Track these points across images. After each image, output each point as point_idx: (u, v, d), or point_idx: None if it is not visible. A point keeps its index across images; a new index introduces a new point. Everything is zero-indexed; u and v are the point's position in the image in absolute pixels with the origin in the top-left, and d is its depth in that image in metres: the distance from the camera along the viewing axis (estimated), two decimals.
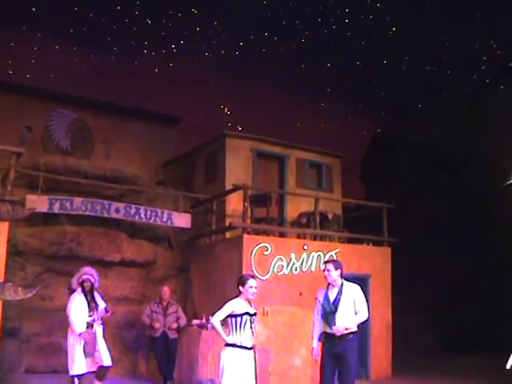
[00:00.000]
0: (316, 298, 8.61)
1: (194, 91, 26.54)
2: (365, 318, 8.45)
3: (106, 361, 10.90)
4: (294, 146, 17.53)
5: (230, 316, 7.51)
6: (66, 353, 10.71)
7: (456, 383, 13.61)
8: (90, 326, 10.82)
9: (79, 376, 10.64)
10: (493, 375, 14.35)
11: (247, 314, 7.50)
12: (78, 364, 10.54)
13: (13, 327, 12.78)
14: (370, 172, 25.68)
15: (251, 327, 7.55)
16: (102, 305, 11.23)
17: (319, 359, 8.39)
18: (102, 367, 10.95)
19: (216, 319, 7.51)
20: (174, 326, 12.39)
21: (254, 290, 7.63)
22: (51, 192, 13.09)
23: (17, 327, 13.14)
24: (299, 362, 13.20)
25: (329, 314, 8.29)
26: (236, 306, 7.53)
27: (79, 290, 10.96)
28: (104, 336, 11.08)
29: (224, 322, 7.68)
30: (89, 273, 11.26)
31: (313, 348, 8.38)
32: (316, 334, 8.42)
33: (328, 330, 8.29)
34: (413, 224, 20.30)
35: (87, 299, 10.92)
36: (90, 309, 10.91)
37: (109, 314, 11.22)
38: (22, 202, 12.08)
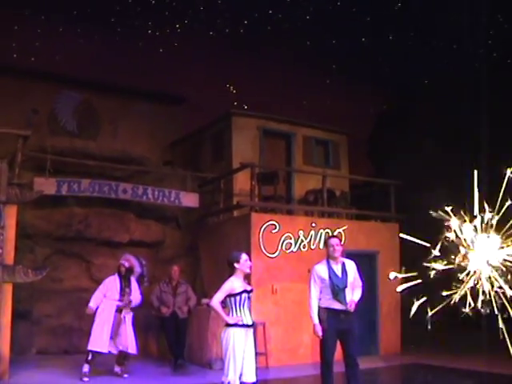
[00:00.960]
0: (312, 273, 8.55)
1: (200, 70, 26.39)
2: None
3: (131, 348, 11.09)
4: (300, 123, 17.45)
5: (229, 296, 7.47)
6: (90, 331, 10.92)
7: (465, 358, 13.63)
8: (119, 310, 11.00)
9: (95, 352, 10.79)
10: (501, 350, 14.39)
11: (245, 291, 7.47)
12: (98, 340, 10.70)
13: (24, 309, 12.89)
14: (377, 149, 25.59)
15: (249, 304, 7.54)
16: (136, 294, 11.39)
17: (321, 334, 8.37)
18: (123, 352, 11.09)
19: (216, 301, 7.45)
20: (185, 309, 12.43)
21: (250, 264, 7.66)
22: (59, 174, 13.12)
23: (28, 309, 13.25)
24: (308, 339, 13.24)
25: (339, 290, 8.28)
26: (233, 284, 7.48)
27: (116, 274, 11.23)
28: (133, 324, 11.26)
29: (223, 302, 7.69)
30: (125, 258, 11.52)
31: (315, 324, 8.30)
32: (316, 310, 8.36)
33: (337, 307, 8.27)
34: (423, 200, 20.22)
35: (121, 283, 11.11)
36: (122, 293, 11.09)
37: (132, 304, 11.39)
38: (30, 185, 12.11)
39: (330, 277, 8.31)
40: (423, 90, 23.26)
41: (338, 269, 8.41)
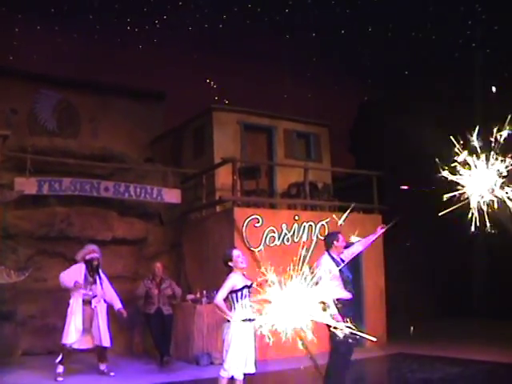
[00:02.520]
0: (320, 265, 8.48)
1: (179, 66, 26.35)
2: None
3: (105, 341, 11.00)
4: (281, 117, 17.46)
5: (231, 292, 7.56)
6: (62, 328, 10.88)
7: (451, 347, 13.73)
8: (87, 302, 10.92)
9: (71, 349, 10.74)
10: (487, 338, 14.54)
11: (246, 287, 7.55)
12: (70, 332, 10.65)
13: (8, 310, 12.84)
14: (359, 141, 25.64)
15: (250, 298, 7.57)
16: (112, 293, 11.36)
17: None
18: (99, 347, 11.04)
19: (219, 299, 7.54)
20: (169, 305, 12.44)
21: (242, 259, 7.73)
22: (39, 174, 13.06)
23: (12, 310, 13.17)
24: (294, 332, 13.25)
25: (347, 280, 8.37)
26: (235, 281, 7.58)
27: (82, 264, 11.06)
28: (107, 316, 11.19)
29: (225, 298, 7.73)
30: (98, 251, 11.42)
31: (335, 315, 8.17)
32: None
33: (347, 297, 8.30)
34: (405, 191, 20.27)
35: (87, 274, 11.03)
36: (87, 283, 11.00)
37: (119, 313, 11.42)
38: (11, 185, 12.07)
39: (339, 268, 8.35)
40: (404, 82, 23.32)
41: (340, 261, 8.46)
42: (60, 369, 10.66)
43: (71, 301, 10.96)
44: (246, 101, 19.86)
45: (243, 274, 7.72)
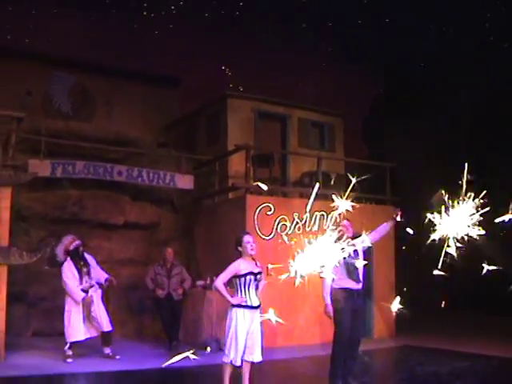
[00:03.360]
0: None
1: (195, 52, 26.28)
2: None
3: (106, 326, 11.04)
4: (295, 105, 17.42)
5: (235, 277, 7.58)
6: (63, 319, 10.90)
7: (460, 341, 13.70)
8: (84, 291, 10.95)
9: (75, 343, 10.81)
10: (497, 333, 14.51)
11: (251, 273, 7.55)
12: (74, 330, 10.71)
13: (19, 291, 12.91)
14: (373, 132, 25.52)
15: (256, 286, 7.62)
16: (98, 271, 11.36)
17: (332, 315, 8.40)
18: (103, 333, 11.10)
19: (219, 282, 7.58)
20: (180, 291, 12.44)
21: (252, 245, 7.68)
22: (53, 156, 13.09)
23: (23, 291, 13.28)
24: (303, 321, 13.31)
25: (353, 269, 8.35)
26: (239, 266, 7.58)
27: (68, 259, 11.04)
28: (103, 301, 11.23)
29: (230, 284, 7.77)
30: (76, 238, 11.32)
31: (327, 305, 8.32)
32: (329, 290, 8.36)
33: (352, 286, 8.34)
34: (417, 182, 20.18)
35: (77, 267, 11.01)
36: (81, 275, 11.00)
37: (107, 283, 11.35)
38: (25, 167, 12.08)
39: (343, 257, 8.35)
40: (420, 73, 23.17)
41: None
42: (69, 352, 10.75)
43: (68, 297, 10.96)
44: (261, 88, 19.82)
45: (254, 262, 7.72)
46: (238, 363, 7.47)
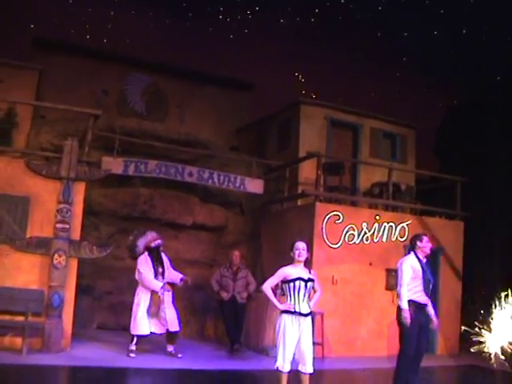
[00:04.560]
0: (403, 263, 8.38)
1: (269, 58, 26.45)
2: None
3: (173, 326, 11.16)
4: (368, 115, 17.29)
5: (284, 282, 7.53)
6: (131, 312, 11.09)
7: None
8: (155, 292, 11.08)
9: (140, 336, 10.93)
10: None
11: (300, 279, 7.47)
12: (140, 324, 10.85)
13: (87, 285, 13.18)
14: (445, 144, 25.11)
15: (305, 293, 7.51)
16: (171, 271, 11.48)
17: (400, 328, 8.30)
18: (169, 332, 11.19)
19: (266, 286, 7.61)
20: (244, 294, 12.43)
21: (299, 252, 7.59)
22: (126, 154, 13.27)
23: (91, 285, 13.55)
24: (365, 332, 13.17)
25: (429, 283, 8.27)
26: (287, 271, 7.55)
27: (146, 253, 11.20)
28: (173, 302, 11.34)
29: (281, 289, 7.71)
30: (159, 237, 11.52)
31: (405, 310, 8.07)
32: (406, 297, 8.17)
33: (423, 301, 8.22)
34: (489, 199, 19.74)
35: (154, 264, 11.18)
36: (156, 273, 11.14)
37: (182, 283, 11.45)
38: (98, 164, 12.29)
39: (423, 269, 8.26)
40: (495, 86, 22.68)
41: (426, 264, 8.36)
42: (133, 346, 10.88)
43: (139, 291, 11.15)
44: (333, 97, 19.76)
45: (307, 269, 7.67)
46: (286, 370, 7.38)
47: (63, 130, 13.58)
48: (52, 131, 13.98)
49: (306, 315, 7.45)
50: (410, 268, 8.27)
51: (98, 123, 12.34)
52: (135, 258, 11.40)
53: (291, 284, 7.46)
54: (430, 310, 8.38)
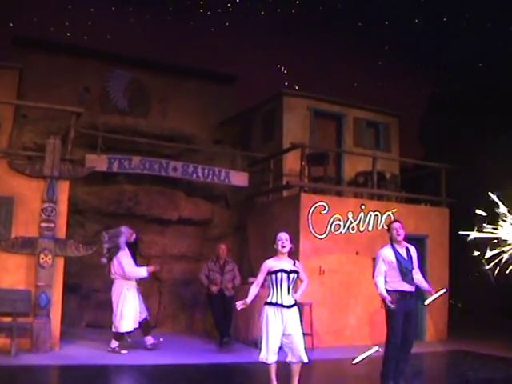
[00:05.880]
0: (378, 256, 8.49)
1: (251, 50, 26.42)
2: None
3: (143, 313, 11.34)
4: (351, 104, 17.33)
5: (268, 274, 7.52)
6: (112, 310, 11.17)
7: None
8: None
9: (128, 333, 10.98)
10: None
11: (282, 271, 7.44)
12: (128, 321, 10.88)
13: (74, 283, 13.14)
14: (429, 132, 25.20)
15: (289, 284, 7.49)
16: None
17: (386, 315, 8.35)
18: (142, 322, 11.25)
19: (253, 285, 7.67)
20: (230, 285, 12.45)
21: (282, 242, 7.55)
22: (110, 151, 13.24)
23: (78, 283, 13.51)
24: (354, 321, 13.22)
25: (407, 271, 8.26)
26: (270, 264, 7.54)
27: (125, 248, 11.24)
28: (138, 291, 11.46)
29: (265, 282, 7.71)
30: (134, 231, 11.64)
31: (385, 297, 8.10)
32: (383, 286, 8.24)
33: (405, 288, 8.24)
34: (474, 185, 19.80)
35: (134, 258, 11.30)
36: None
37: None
38: (82, 162, 12.26)
39: (397, 259, 8.29)
40: (476, 73, 22.77)
41: (403, 252, 8.40)
42: (115, 344, 10.99)
43: (124, 287, 11.17)
44: (316, 87, 19.77)
45: (291, 260, 7.61)
46: (270, 361, 7.40)
47: (46, 129, 13.51)
48: (34, 130, 13.90)
49: (289, 307, 7.44)
50: (385, 262, 8.34)
51: (80, 121, 12.28)
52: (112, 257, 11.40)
53: (273, 276, 7.46)
54: (422, 283, 8.45)
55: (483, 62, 22.62)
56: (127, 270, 11.08)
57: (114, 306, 11.10)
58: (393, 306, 8.08)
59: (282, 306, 7.41)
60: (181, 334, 13.72)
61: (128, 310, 11.02)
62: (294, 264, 7.59)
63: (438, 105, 25.04)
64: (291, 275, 7.48)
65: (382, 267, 8.35)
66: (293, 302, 7.50)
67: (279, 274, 7.43)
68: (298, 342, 7.45)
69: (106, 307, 13.57)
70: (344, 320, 13.15)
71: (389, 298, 8.12)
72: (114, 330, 11.05)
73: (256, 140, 17.32)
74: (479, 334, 15.18)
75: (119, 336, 11.01)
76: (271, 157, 15.25)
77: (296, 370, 7.50)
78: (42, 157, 11.05)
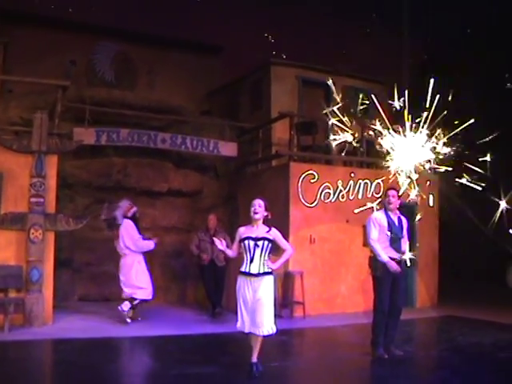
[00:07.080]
0: (370, 219, 8.56)
1: (238, 20, 26.21)
2: None
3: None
4: (339, 72, 17.21)
5: (240, 241, 7.36)
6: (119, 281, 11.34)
7: (504, 312, 13.47)
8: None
9: (146, 301, 11.27)
10: None
11: (248, 238, 7.23)
12: (146, 291, 11.35)
13: (66, 257, 13.15)
14: (415, 100, 25.15)
15: (261, 252, 7.22)
16: None
17: (373, 282, 8.47)
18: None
19: (231, 249, 7.62)
20: (221, 256, 12.46)
21: (255, 208, 7.29)
22: (97, 124, 13.16)
23: (69, 257, 13.53)
24: (345, 289, 13.29)
25: (396, 238, 8.36)
26: (240, 231, 7.41)
27: (131, 222, 11.33)
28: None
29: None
30: (134, 205, 11.72)
31: (388, 261, 8.18)
32: (381, 250, 8.29)
33: (392, 255, 8.31)
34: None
35: (138, 229, 11.38)
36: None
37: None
38: (70, 135, 12.18)
39: (388, 224, 8.36)
40: (465, 40, 22.70)
41: (395, 219, 8.43)
42: (127, 306, 11.18)
43: (135, 260, 11.40)
44: (304, 56, 19.66)
45: (266, 227, 7.31)
46: (246, 330, 7.26)
47: (32, 104, 13.38)
48: (21, 105, 13.77)
49: (257, 275, 7.18)
50: (377, 225, 8.37)
51: (67, 94, 12.19)
52: (114, 229, 11.54)
53: (242, 244, 7.30)
54: (403, 246, 8.50)
55: (471, 28, 22.55)
56: (138, 244, 11.36)
57: (130, 277, 11.31)
58: (397, 270, 8.16)
59: (250, 274, 7.18)
60: (173, 305, 13.80)
61: (145, 281, 11.33)
62: (269, 232, 7.31)
63: (425, 72, 24.96)
64: (259, 242, 7.19)
65: (374, 232, 8.39)
66: (263, 271, 7.20)
67: (246, 242, 7.22)
68: (261, 313, 7.13)
69: (99, 280, 13.72)
70: (335, 288, 13.22)
71: (393, 264, 8.17)
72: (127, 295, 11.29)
73: (244, 110, 17.25)
74: (468, 299, 15.31)
75: (132, 302, 11.19)
76: (260, 126, 15.19)
77: (256, 342, 7.26)
78: (29, 132, 11.00)
